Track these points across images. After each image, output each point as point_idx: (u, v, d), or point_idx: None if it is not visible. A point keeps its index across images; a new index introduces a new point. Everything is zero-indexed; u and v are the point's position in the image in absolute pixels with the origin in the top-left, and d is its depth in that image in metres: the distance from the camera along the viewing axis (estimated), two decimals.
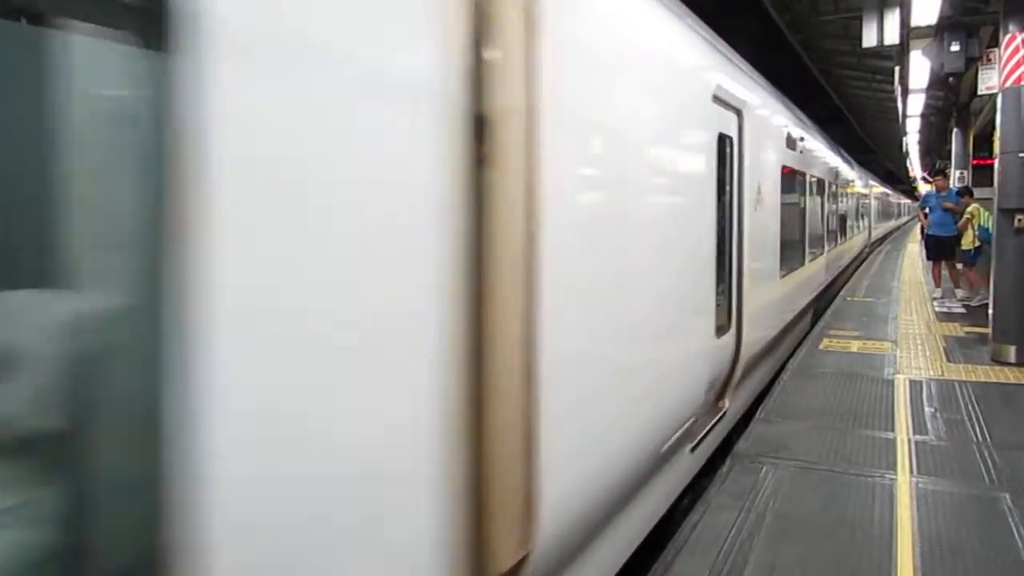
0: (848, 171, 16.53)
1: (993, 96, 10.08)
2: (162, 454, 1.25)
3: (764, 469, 4.78)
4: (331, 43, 1.55)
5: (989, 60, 10.89)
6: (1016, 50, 7.40)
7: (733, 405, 5.52)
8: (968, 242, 11.57)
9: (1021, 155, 7.46)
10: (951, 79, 12.31)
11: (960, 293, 12.14)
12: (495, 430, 2.01)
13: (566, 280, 2.44)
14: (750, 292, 5.59)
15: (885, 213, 36.49)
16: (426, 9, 1.81)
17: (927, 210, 12.82)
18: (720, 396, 5.24)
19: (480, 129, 1.99)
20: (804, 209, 9.43)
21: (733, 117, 5.25)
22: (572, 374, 2.48)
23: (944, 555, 3.64)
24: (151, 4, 1.24)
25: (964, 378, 7.12)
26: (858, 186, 19.46)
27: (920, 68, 12.87)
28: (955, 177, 17.39)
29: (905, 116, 20.05)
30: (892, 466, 4.84)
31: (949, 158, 19.53)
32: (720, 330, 4.91)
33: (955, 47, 10.72)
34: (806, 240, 9.45)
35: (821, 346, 8.75)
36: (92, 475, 1.32)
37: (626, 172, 3.17)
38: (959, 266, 12.14)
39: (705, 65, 4.64)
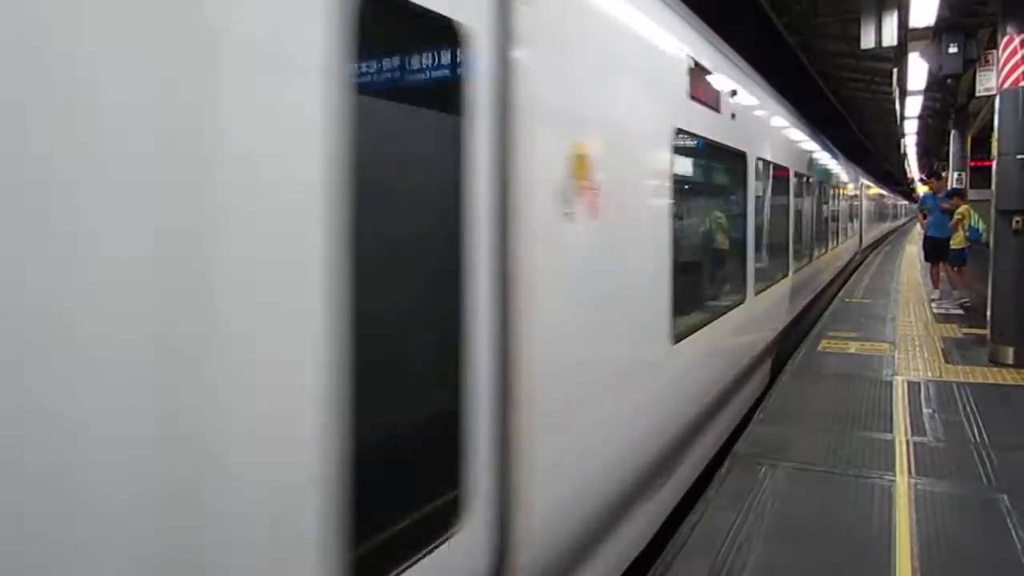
0: (831, 163, 13.80)
1: (991, 98, 10.09)
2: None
3: (763, 470, 4.78)
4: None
5: (987, 62, 10.91)
6: (1014, 52, 7.42)
7: None
8: (957, 242, 11.60)
9: (1019, 157, 7.48)
10: (949, 81, 12.32)
11: (936, 293, 12.19)
12: None
13: None
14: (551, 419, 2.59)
15: (879, 215, 33.14)
16: None
17: (925, 212, 12.86)
18: None
19: None
20: (752, 213, 6.53)
21: None
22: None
23: (942, 556, 3.64)
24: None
25: (962, 379, 7.13)
26: (844, 182, 16.65)
27: (918, 70, 12.90)
28: (952, 179, 17.42)
29: (903, 118, 20.09)
30: (891, 467, 4.84)
31: (947, 160, 19.57)
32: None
33: (953, 49, 10.73)
34: (751, 263, 6.35)
35: (819, 347, 8.75)
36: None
37: None
38: (948, 266, 12.19)
39: None
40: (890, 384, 6.97)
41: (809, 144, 10.54)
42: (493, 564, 2.17)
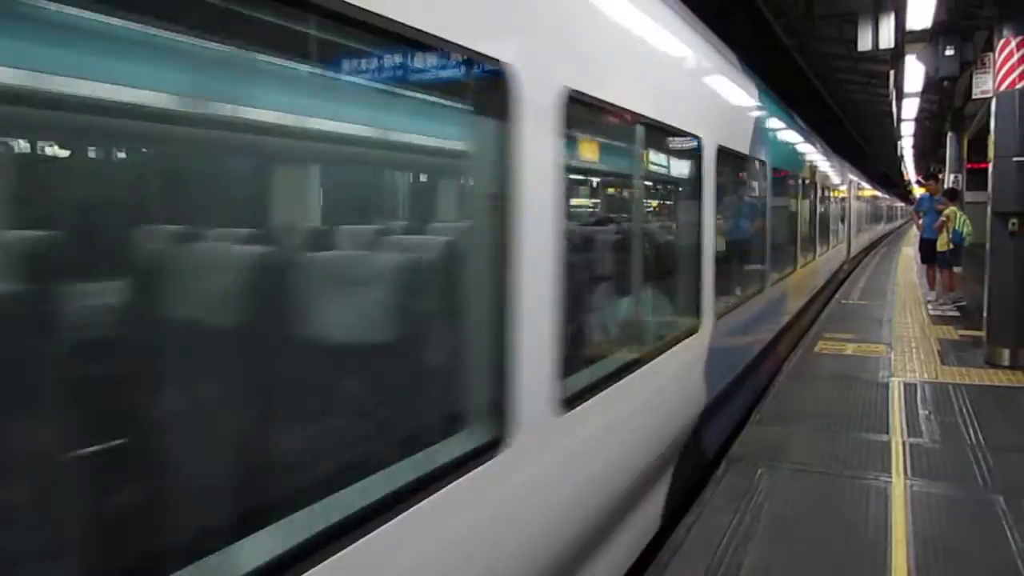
0: (814, 156, 11.91)
1: (987, 100, 10.11)
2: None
3: (759, 472, 4.79)
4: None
5: (983, 64, 10.93)
6: (1010, 55, 7.44)
7: None
8: (942, 244, 11.63)
9: (1015, 159, 7.50)
10: (946, 83, 12.36)
11: (932, 295, 12.22)
12: None
13: None
14: None
15: (873, 218, 30.57)
16: None
17: (921, 213, 12.89)
18: None
19: None
20: (711, 221, 5.01)
21: None
22: None
23: (938, 557, 3.65)
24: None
25: (958, 381, 7.14)
26: (830, 180, 14.32)
27: (915, 72, 12.94)
28: (949, 181, 17.46)
29: (900, 120, 20.15)
30: (887, 469, 4.85)
31: (943, 162, 19.60)
32: None
33: (950, 51, 10.75)
34: (706, 288, 4.91)
35: (816, 349, 8.76)
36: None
37: None
38: (939, 268, 12.23)
39: None
40: (886, 386, 6.98)
41: (787, 134, 8.92)
42: None
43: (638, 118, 3.67)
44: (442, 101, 2.54)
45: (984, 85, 10.90)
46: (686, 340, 4.52)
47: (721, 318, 5.28)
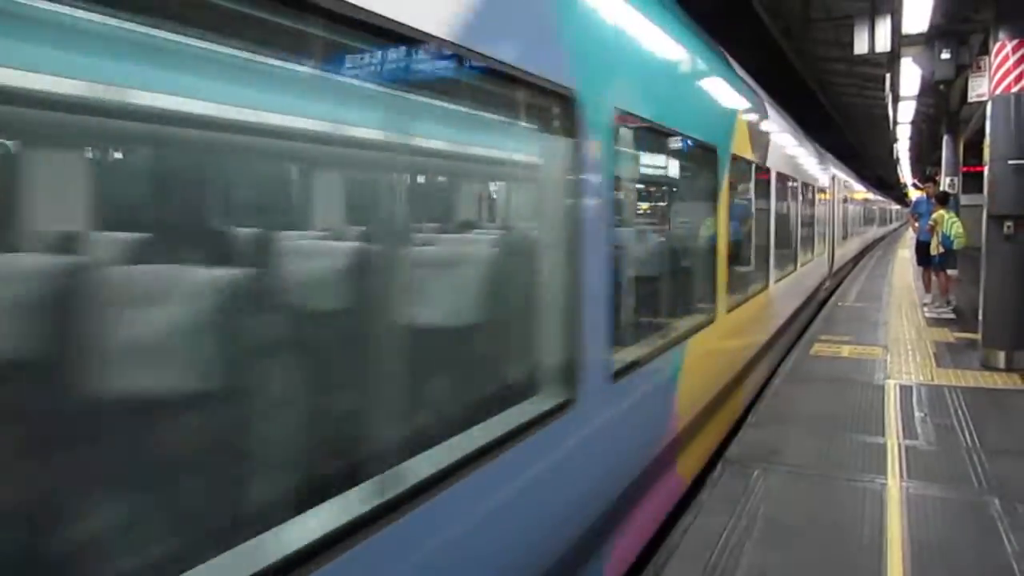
0: (788, 147, 9.40)
1: (983, 104, 10.15)
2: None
3: (755, 474, 4.79)
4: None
5: (979, 68, 10.97)
6: (1006, 58, 7.46)
7: None
8: (934, 248, 11.66)
9: (1011, 162, 7.52)
10: (941, 87, 12.41)
11: (928, 297, 12.25)
12: None
13: None
14: None
15: (865, 220, 27.71)
16: None
17: (918, 215, 12.93)
18: None
19: None
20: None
21: None
22: None
23: (933, 559, 3.66)
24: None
25: (954, 383, 7.16)
26: (810, 176, 11.52)
27: (911, 75, 12.97)
28: (945, 184, 17.50)
29: (896, 123, 20.19)
30: (882, 471, 4.86)
31: (939, 165, 19.64)
32: None
33: (945, 55, 10.80)
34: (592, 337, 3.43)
35: (812, 351, 8.78)
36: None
37: None
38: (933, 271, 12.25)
39: None
40: (882, 388, 6.99)
41: (750, 114, 6.87)
42: None
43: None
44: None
45: (980, 88, 10.94)
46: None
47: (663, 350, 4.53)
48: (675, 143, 4.73)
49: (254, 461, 1.88)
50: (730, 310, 5.81)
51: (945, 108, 17.89)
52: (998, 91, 7.61)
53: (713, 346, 5.35)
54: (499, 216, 3.58)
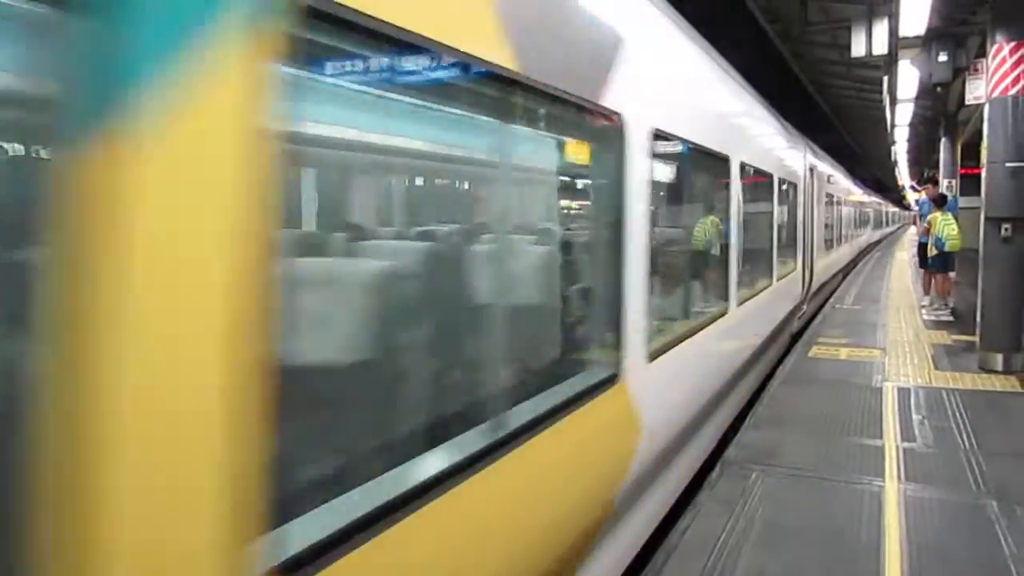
0: (745, 122, 7.01)
1: (980, 106, 10.17)
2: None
3: (753, 476, 4.79)
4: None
5: (976, 70, 11.01)
6: (1003, 61, 7.48)
7: None
8: (930, 250, 11.68)
9: (1008, 165, 7.53)
10: (939, 89, 12.42)
11: (927, 300, 12.26)
12: None
13: None
14: None
15: (857, 224, 23.16)
16: None
17: (923, 217, 12.94)
18: None
19: None
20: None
21: None
22: None
23: (931, 562, 3.66)
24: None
25: (951, 385, 7.16)
26: (782, 168, 8.70)
27: (908, 78, 13.00)
28: (943, 186, 17.53)
29: (893, 125, 20.21)
30: (880, 473, 4.86)
31: (937, 167, 19.67)
32: None
33: (943, 57, 10.83)
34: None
35: (810, 354, 8.78)
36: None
37: None
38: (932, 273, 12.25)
39: None
40: (880, 390, 6.99)
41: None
42: None
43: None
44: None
45: (977, 91, 10.98)
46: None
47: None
48: None
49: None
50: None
51: (943, 110, 17.93)
52: (995, 93, 7.62)
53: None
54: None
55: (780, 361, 8.55)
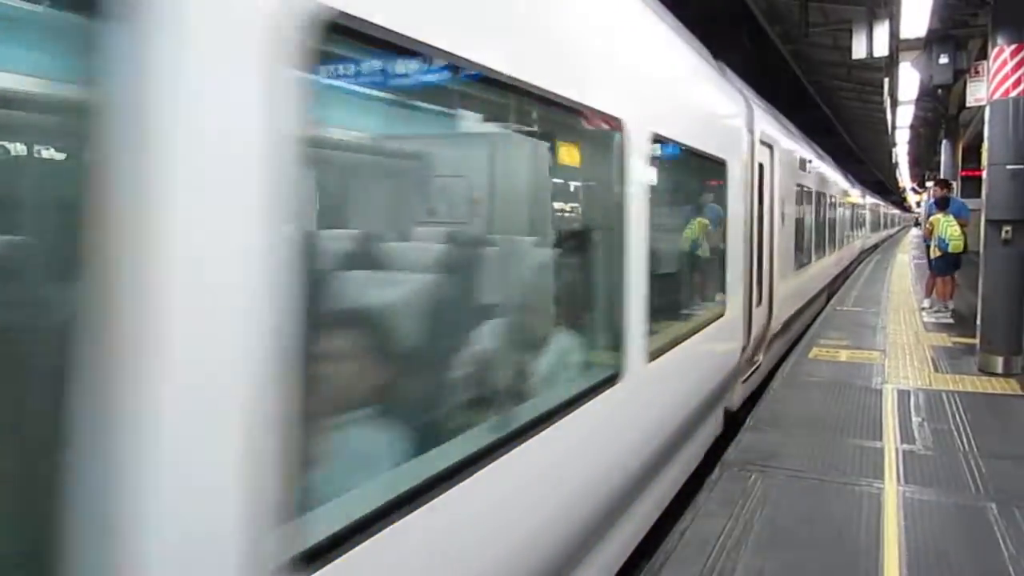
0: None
1: (981, 108, 10.17)
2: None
3: (753, 477, 4.79)
4: None
5: (977, 72, 11.01)
6: (1004, 63, 7.48)
7: None
8: (933, 251, 11.65)
9: (1009, 167, 7.53)
10: (940, 91, 12.44)
11: (927, 302, 12.24)
12: None
13: None
14: None
15: (845, 229, 18.18)
16: None
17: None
18: None
19: None
20: None
21: None
22: None
23: (930, 564, 3.65)
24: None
25: (951, 388, 7.16)
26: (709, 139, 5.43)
27: (909, 80, 13.01)
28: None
29: (894, 127, 20.23)
30: (879, 475, 4.86)
31: (938, 169, 19.67)
32: None
33: (944, 59, 10.83)
34: None
35: (810, 355, 8.78)
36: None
37: None
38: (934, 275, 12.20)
39: None
40: (880, 392, 6.99)
41: None
42: None
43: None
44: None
45: (978, 93, 10.98)
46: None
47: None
48: None
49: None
50: None
51: (944, 112, 17.97)
52: (996, 95, 7.62)
53: None
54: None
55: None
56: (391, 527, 1.80)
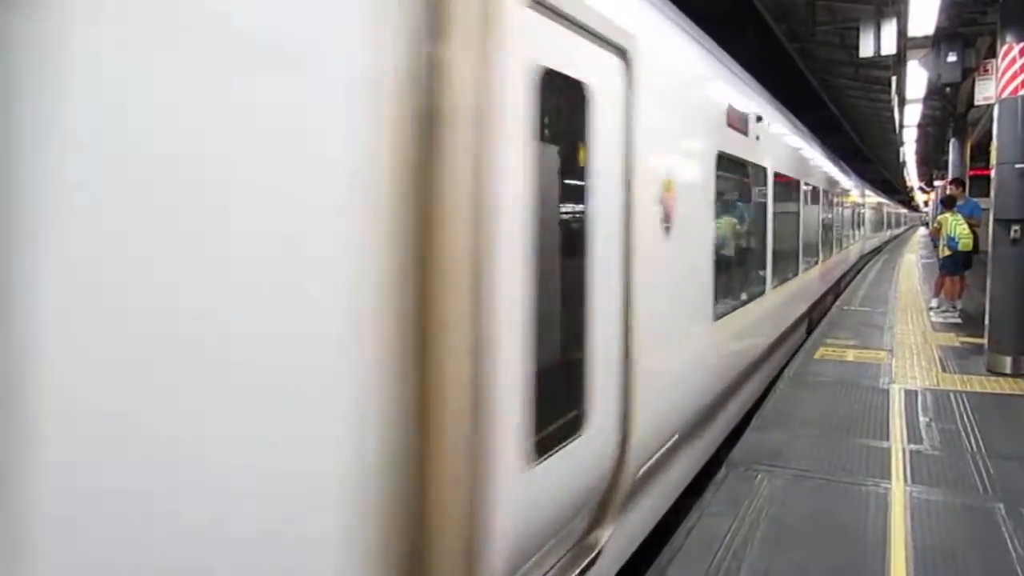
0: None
1: (990, 107, 10.11)
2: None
3: (759, 476, 4.78)
4: None
5: (986, 71, 10.93)
6: (1013, 61, 7.44)
7: None
8: (941, 251, 11.59)
9: (1018, 166, 7.49)
10: (948, 89, 12.37)
11: (935, 301, 12.18)
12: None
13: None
14: None
15: (846, 225, 16.90)
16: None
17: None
18: None
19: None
20: None
21: None
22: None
23: (937, 564, 3.64)
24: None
25: (959, 388, 7.13)
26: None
27: (917, 78, 12.94)
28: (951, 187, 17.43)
29: (902, 126, 20.14)
30: (887, 475, 4.84)
31: (946, 168, 19.57)
32: None
33: (952, 58, 10.76)
34: None
35: (817, 355, 8.75)
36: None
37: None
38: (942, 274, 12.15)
39: None
40: (887, 392, 6.96)
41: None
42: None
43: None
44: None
45: (987, 91, 10.90)
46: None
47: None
48: None
49: None
50: None
51: (952, 111, 17.86)
52: (1005, 94, 7.58)
53: None
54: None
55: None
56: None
